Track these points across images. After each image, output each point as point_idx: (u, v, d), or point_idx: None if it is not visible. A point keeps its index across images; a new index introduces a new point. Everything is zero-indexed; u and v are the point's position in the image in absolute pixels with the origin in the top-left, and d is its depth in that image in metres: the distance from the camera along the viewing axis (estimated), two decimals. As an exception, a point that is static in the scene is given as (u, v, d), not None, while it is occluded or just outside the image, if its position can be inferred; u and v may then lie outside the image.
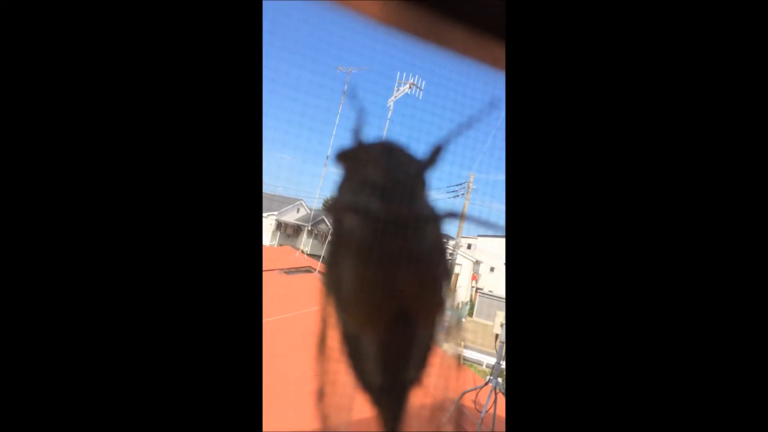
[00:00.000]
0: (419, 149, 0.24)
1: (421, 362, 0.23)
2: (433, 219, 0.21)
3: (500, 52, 0.28)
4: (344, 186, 0.22)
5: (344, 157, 0.22)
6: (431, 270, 0.21)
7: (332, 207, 0.21)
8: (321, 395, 0.24)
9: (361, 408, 0.26)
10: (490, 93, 0.29)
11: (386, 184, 0.20)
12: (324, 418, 0.24)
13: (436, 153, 0.22)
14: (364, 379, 0.23)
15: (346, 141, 0.23)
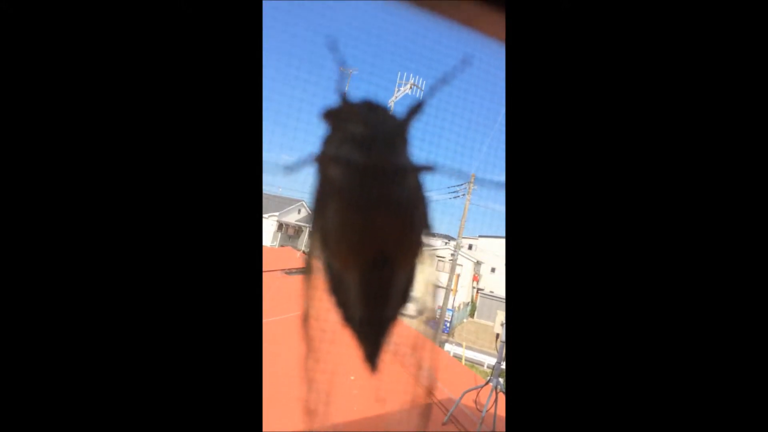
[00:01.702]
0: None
1: (400, 300, 0.25)
2: (411, 170, 0.24)
3: (471, 10, 0.28)
4: (328, 140, 0.24)
5: (329, 114, 0.24)
6: (409, 215, 0.23)
7: (317, 158, 0.23)
8: (306, 319, 0.26)
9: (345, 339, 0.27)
10: (462, 51, 0.30)
11: (367, 136, 0.22)
12: (309, 340, 0.26)
13: (415, 110, 0.24)
14: (346, 313, 0.25)
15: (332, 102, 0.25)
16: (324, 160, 0.24)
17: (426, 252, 0.25)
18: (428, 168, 0.24)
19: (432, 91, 0.26)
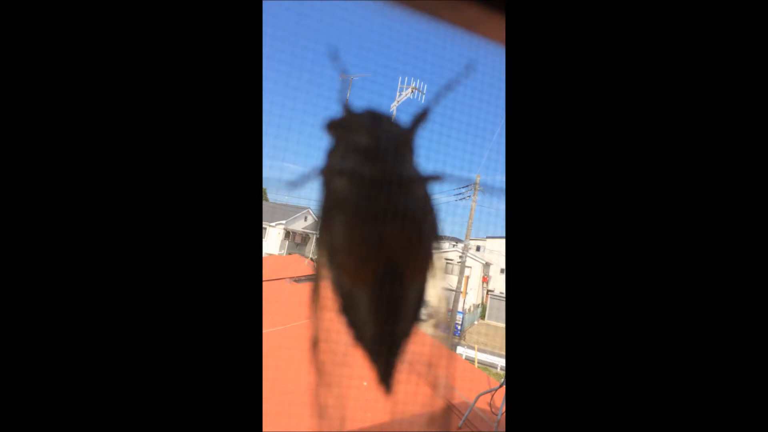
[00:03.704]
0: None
1: (412, 315, 0.24)
2: (419, 180, 0.23)
3: (473, 14, 0.28)
4: (333, 152, 0.23)
5: (332, 126, 0.23)
6: (417, 225, 0.22)
7: (321, 171, 0.23)
8: (315, 343, 0.25)
9: (356, 359, 0.26)
10: (464, 55, 0.29)
11: (372, 147, 0.22)
12: (319, 365, 0.25)
13: (420, 118, 0.24)
14: (357, 331, 0.24)
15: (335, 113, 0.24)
16: (329, 173, 0.23)
17: (437, 262, 0.24)
18: (436, 178, 0.23)
19: (437, 98, 0.26)
